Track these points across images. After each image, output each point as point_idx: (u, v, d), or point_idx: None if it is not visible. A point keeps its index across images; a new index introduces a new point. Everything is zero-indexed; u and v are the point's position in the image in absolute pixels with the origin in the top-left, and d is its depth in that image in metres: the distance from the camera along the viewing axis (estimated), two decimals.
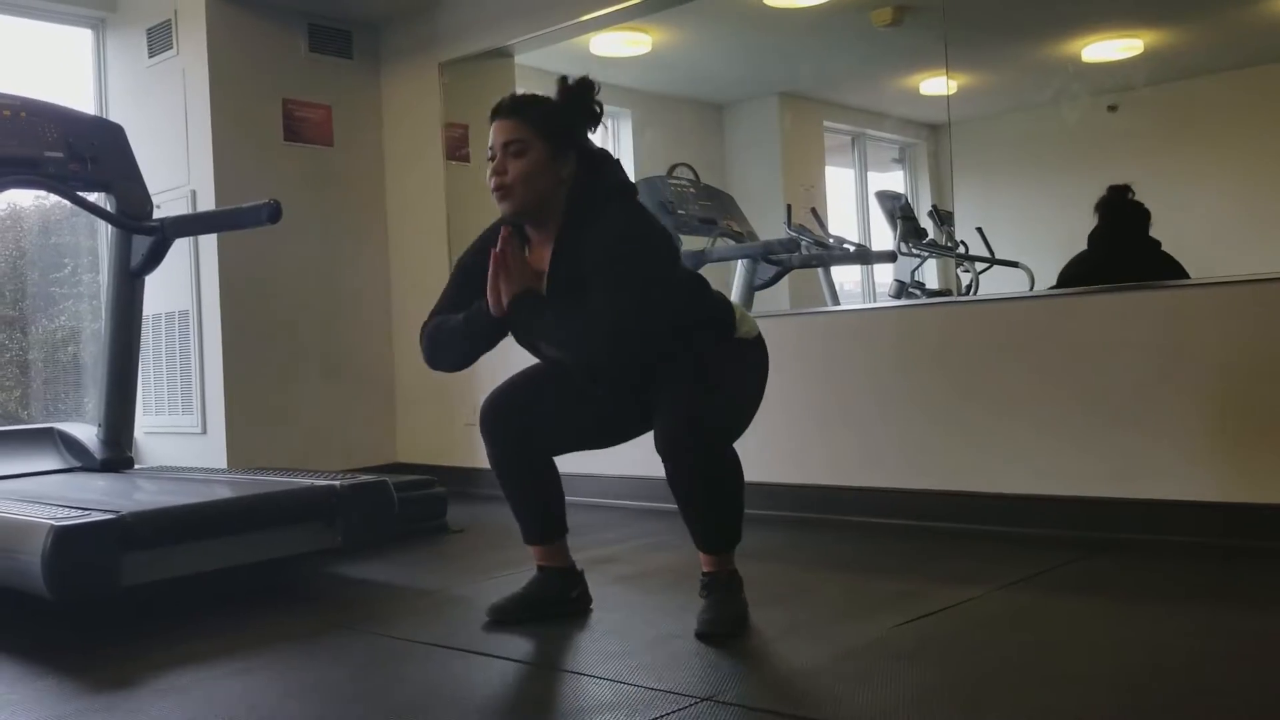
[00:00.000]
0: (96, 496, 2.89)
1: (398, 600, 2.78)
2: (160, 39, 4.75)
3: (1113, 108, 5.34)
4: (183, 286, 4.59)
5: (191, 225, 3.74)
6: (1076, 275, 3.72)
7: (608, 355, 2.14)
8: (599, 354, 2.14)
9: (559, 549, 2.45)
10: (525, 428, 2.38)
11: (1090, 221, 3.96)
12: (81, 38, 5.10)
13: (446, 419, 4.87)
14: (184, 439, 4.66)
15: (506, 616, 2.39)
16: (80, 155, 3.60)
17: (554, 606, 2.41)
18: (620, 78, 6.25)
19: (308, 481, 2.93)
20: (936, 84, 6.05)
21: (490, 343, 2.28)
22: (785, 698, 1.80)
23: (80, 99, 5.00)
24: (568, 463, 2.48)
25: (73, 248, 5.31)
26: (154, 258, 3.64)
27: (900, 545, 3.22)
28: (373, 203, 5.14)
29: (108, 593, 2.45)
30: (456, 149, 4.97)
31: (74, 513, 2.51)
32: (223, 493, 2.88)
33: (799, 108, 6.63)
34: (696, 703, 1.79)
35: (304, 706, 1.92)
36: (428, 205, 4.98)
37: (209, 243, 4.52)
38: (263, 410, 4.62)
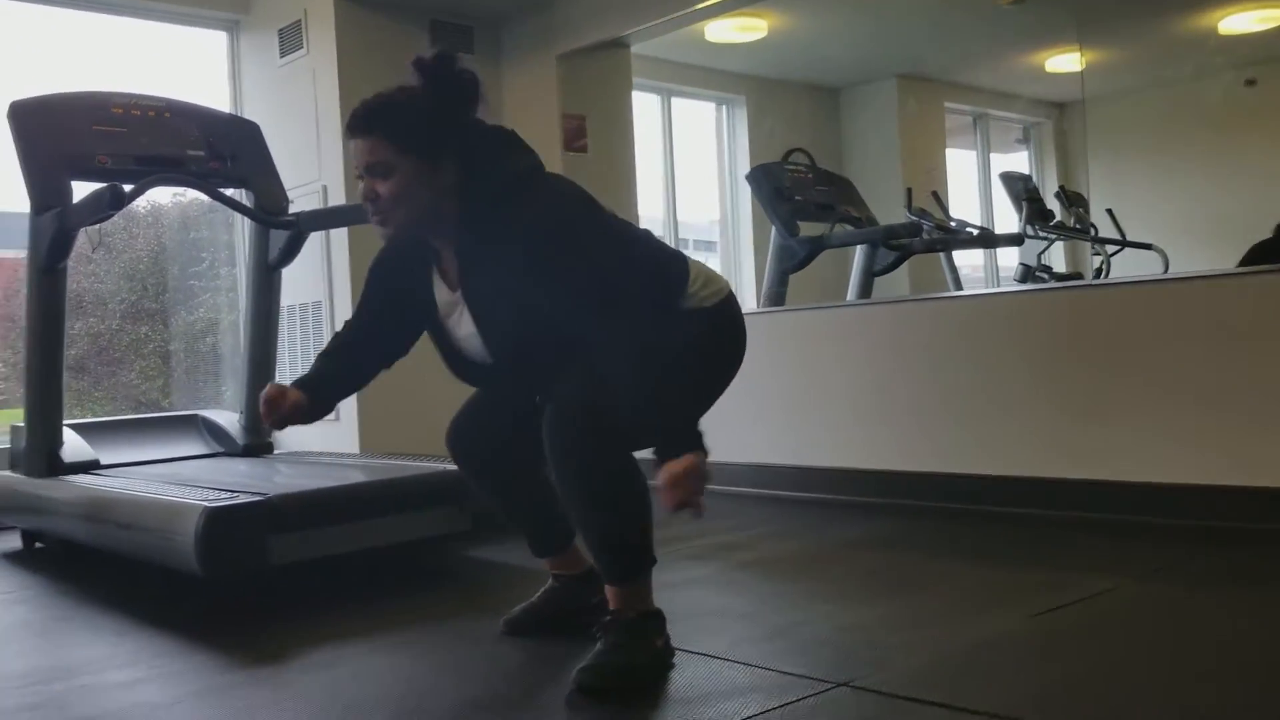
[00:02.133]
0: (242, 480, 3.01)
1: (530, 582, 2.82)
2: (291, 39, 4.91)
3: (1250, 81, 5.12)
4: (316, 278, 4.75)
5: (325, 219, 3.87)
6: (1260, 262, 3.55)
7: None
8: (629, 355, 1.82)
9: (571, 557, 2.26)
10: (495, 442, 2.19)
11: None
12: (216, 40, 5.31)
13: None
14: (318, 425, 4.80)
15: (521, 629, 2.23)
16: (220, 153, 3.75)
17: (573, 615, 2.21)
18: (734, 64, 6.23)
19: (439, 466, 3.01)
20: (1064, 61, 5.88)
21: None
22: (923, 685, 1.78)
23: (215, 99, 5.20)
24: None
25: (210, 242, 5.54)
26: (290, 251, 3.77)
27: (1024, 534, 3.15)
28: None
29: (255, 571, 2.55)
30: (574, 139, 5.02)
31: (223, 495, 2.63)
32: (360, 477, 2.97)
33: (919, 89, 6.52)
34: (833, 688, 1.78)
35: (446, 683, 1.97)
36: None
37: (340, 236, 4.66)
38: (392, 397, 4.73)
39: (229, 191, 3.75)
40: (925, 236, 5.00)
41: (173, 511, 2.60)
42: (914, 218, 5.11)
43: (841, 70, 6.51)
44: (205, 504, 2.50)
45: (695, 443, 1.78)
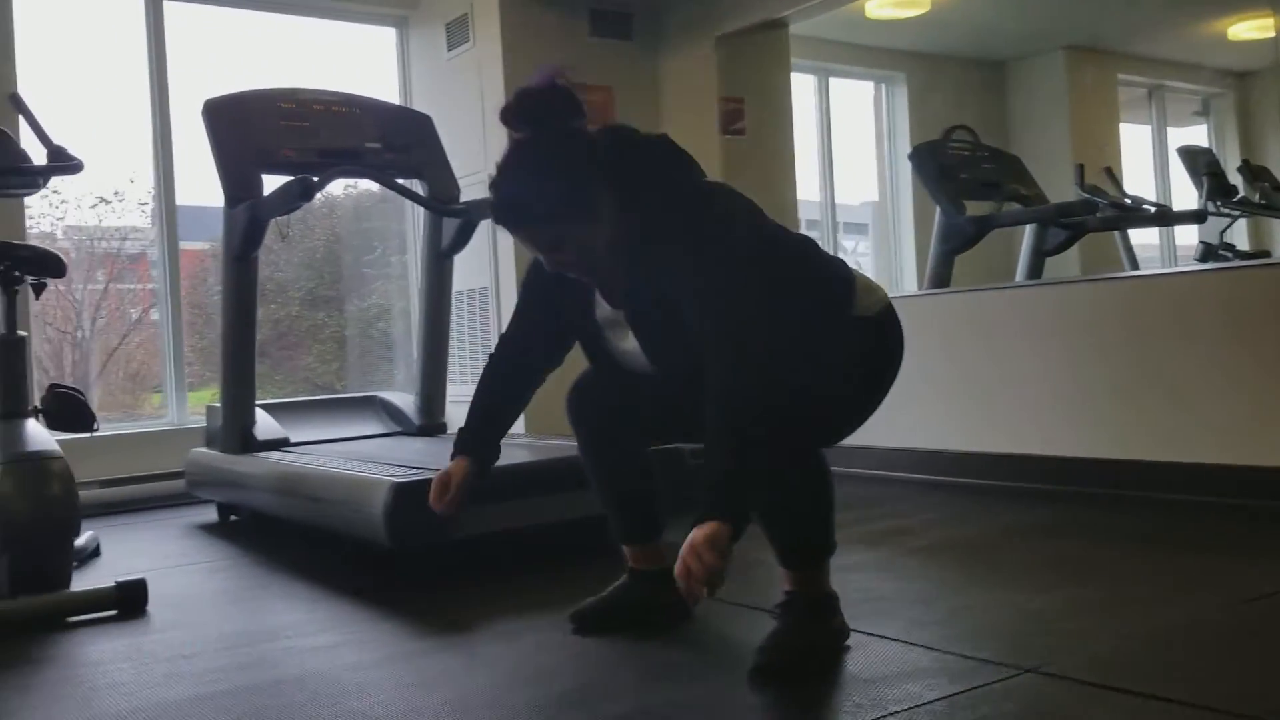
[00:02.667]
0: (423, 457, 3.14)
1: None
2: (458, 33, 5.06)
3: None
4: (482, 265, 4.89)
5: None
6: None
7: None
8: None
9: (653, 550, 2.19)
10: (614, 409, 2.14)
11: None
12: (385, 36, 5.51)
13: None
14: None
15: (589, 623, 2.16)
16: (395, 145, 3.90)
17: (644, 613, 2.16)
18: (895, 40, 6.11)
19: None
20: (1249, 28, 5.56)
21: None
22: (1112, 671, 1.73)
23: (385, 93, 5.40)
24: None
25: (382, 232, 5.76)
26: (462, 239, 3.90)
27: (1201, 523, 3.02)
28: None
29: (438, 544, 2.66)
30: (731, 123, 5.02)
31: (408, 471, 2.75)
32: (534, 456, 3.05)
33: (1089, 61, 6.26)
34: (1020, 673, 1.75)
35: (627, 655, 2.02)
36: None
37: None
38: (555, 380, 4.85)
39: (403, 182, 3.90)
40: (1099, 214, 4.81)
41: (362, 486, 2.73)
42: (1086, 195, 4.92)
43: (1007, 43, 6.31)
44: (392, 479, 2.62)
45: (728, 509, 1.67)
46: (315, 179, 3.27)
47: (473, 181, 4.89)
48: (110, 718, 1.79)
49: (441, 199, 3.88)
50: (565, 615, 2.21)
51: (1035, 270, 4.75)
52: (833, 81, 6.18)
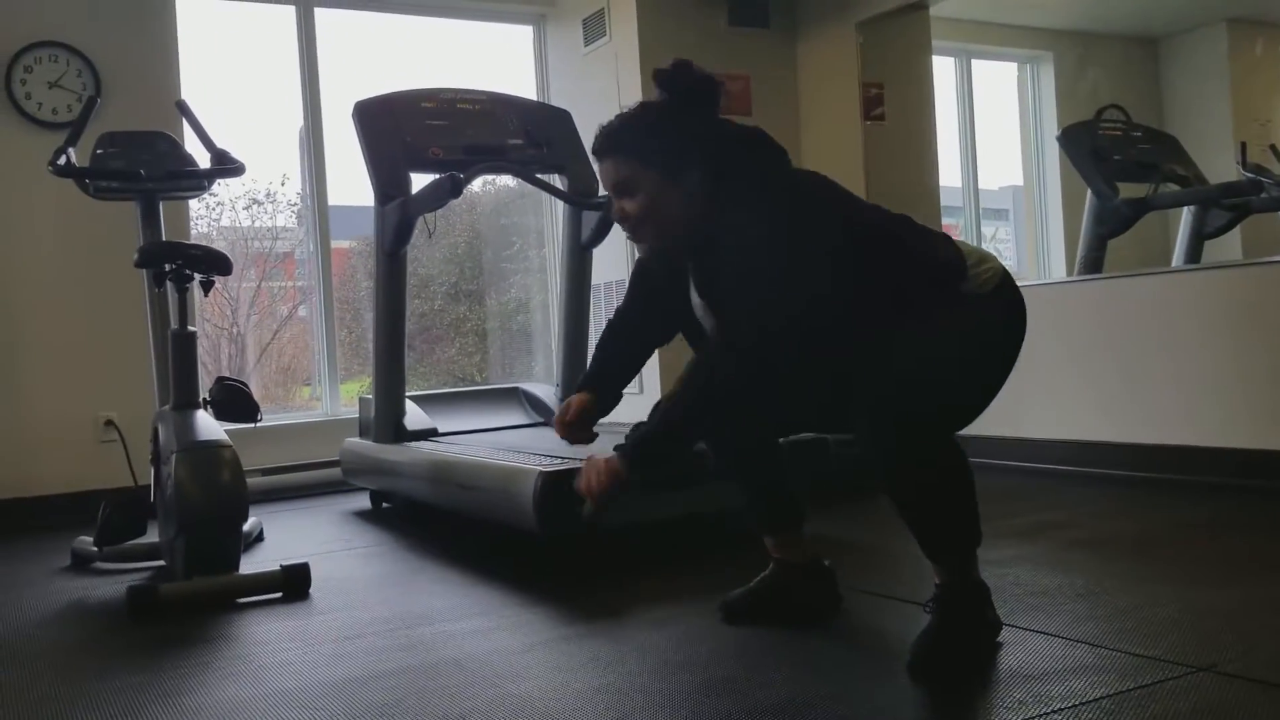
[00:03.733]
0: (567, 447, 3.17)
1: (851, 553, 2.83)
2: (595, 28, 5.11)
3: None
4: (619, 258, 4.93)
5: None
6: None
7: (738, 378, 1.86)
8: (733, 380, 1.87)
9: (792, 541, 2.19)
10: (744, 415, 2.12)
11: None
12: (523, 34, 5.60)
13: None
14: (626, 400, 5.01)
15: (737, 614, 2.17)
16: (537, 141, 3.96)
17: (787, 605, 2.16)
18: (1041, 19, 5.89)
19: None
20: None
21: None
22: None
23: (523, 89, 5.49)
24: (997, 426, 2.38)
25: (520, 227, 5.86)
26: (601, 232, 3.93)
27: None
28: None
29: (587, 532, 2.69)
30: (871, 109, 4.94)
31: (555, 460, 2.79)
32: None
33: (1255, 33, 5.93)
34: (1193, 672, 1.68)
35: (776, 645, 2.01)
36: (845, 168, 4.99)
37: None
38: None
39: (544, 176, 3.96)
40: (1265, 195, 4.55)
41: (511, 475, 2.79)
42: (1250, 174, 4.67)
43: (1163, 18, 6.02)
44: (540, 468, 2.66)
45: (631, 455, 1.91)
46: (462, 175, 3.35)
47: None
48: (282, 695, 1.87)
49: (581, 193, 3.92)
50: (713, 604, 2.22)
51: (1194, 254, 4.53)
52: (974, 63, 6.00)
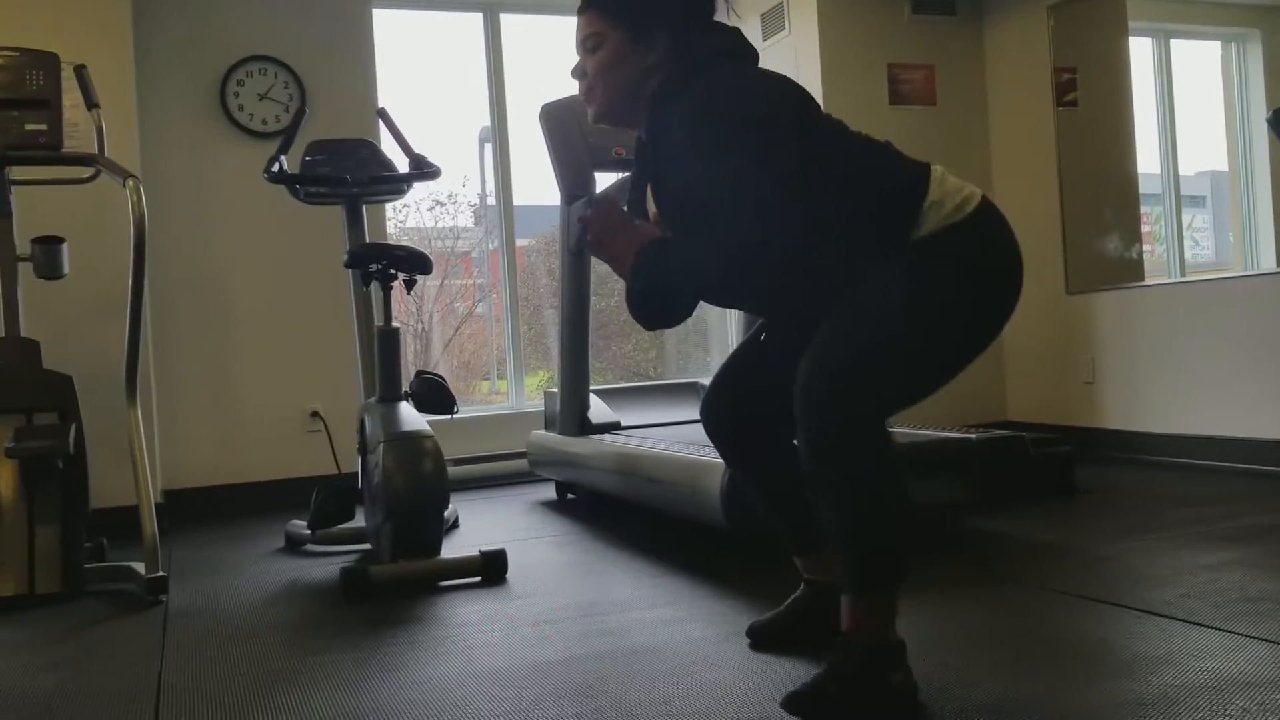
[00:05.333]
0: None
1: (1044, 554, 2.76)
2: (773, 22, 5.10)
3: None
4: None
5: None
6: None
7: (720, 278, 1.71)
8: (714, 279, 1.73)
9: (823, 560, 2.01)
10: (742, 418, 1.98)
11: None
12: None
13: (1063, 376, 4.72)
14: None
15: (763, 638, 2.03)
16: None
17: (818, 628, 1.94)
18: None
19: (943, 434, 3.01)
20: None
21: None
22: None
23: None
24: (1208, 425, 2.26)
25: None
26: None
27: None
28: (976, 157, 5.10)
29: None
30: (1065, 94, 4.76)
31: None
32: None
33: None
34: None
35: (979, 643, 1.98)
36: (1035, 156, 4.83)
37: None
38: None
39: None
40: None
41: (696, 469, 2.83)
42: None
43: None
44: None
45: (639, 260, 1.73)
46: None
47: None
48: (491, 674, 1.96)
49: None
50: (913, 602, 2.18)
51: None
52: (1174, 43, 5.70)
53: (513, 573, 2.81)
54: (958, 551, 2.83)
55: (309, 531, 3.29)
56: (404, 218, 8.05)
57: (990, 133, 5.10)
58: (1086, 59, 4.75)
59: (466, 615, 2.42)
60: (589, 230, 1.80)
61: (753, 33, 5.24)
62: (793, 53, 4.97)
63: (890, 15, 4.95)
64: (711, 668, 1.91)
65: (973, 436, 2.93)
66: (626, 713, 1.70)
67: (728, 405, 1.99)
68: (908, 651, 1.68)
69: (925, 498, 2.86)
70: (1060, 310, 4.73)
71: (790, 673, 1.85)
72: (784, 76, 1.80)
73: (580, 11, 1.87)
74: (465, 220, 8.33)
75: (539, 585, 2.69)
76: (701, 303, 2.02)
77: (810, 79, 4.85)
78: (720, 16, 1.87)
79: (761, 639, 2.04)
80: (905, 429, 3.28)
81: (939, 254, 1.67)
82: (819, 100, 4.72)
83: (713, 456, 2.82)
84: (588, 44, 1.84)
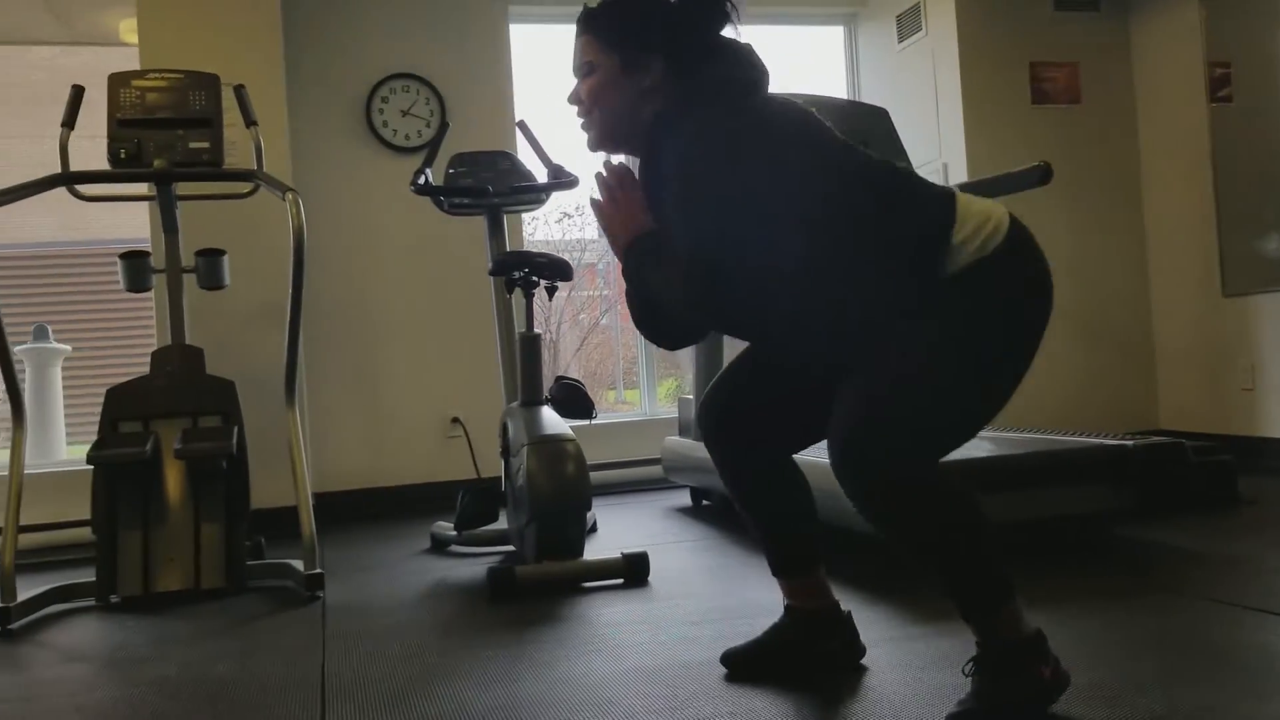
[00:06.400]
0: None
1: (1206, 565, 2.64)
2: (909, 24, 5.03)
3: None
4: None
5: None
6: None
7: (687, 311, 1.69)
8: (681, 312, 1.71)
9: (808, 585, 1.93)
10: (739, 427, 1.88)
11: None
12: (832, 34, 5.59)
13: (1220, 383, 4.51)
14: None
15: (738, 668, 1.93)
16: (854, 141, 3.94)
17: (798, 658, 1.91)
18: None
19: (1098, 441, 2.91)
20: None
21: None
22: None
23: (832, 90, 5.48)
24: None
25: None
26: None
27: None
28: (1123, 157, 4.93)
29: None
30: (1218, 89, 4.56)
31: None
32: (1014, 449, 2.96)
33: None
34: None
35: (1139, 654, 1.91)
36: (1188, 154, 4.64)
37: None
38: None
39: None
40: None
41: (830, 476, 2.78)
42: None
43: None
44: None
45: (633, 253, 1.76)
46: None
47: (926, 171, 4.84)
48: (641, 672, 1.97)
49: None
50: (1070, 612, 2.13)
51: None
52: None
53: (654, 576, 2.82)
54: (1113, 561, 2.73)
55: (455, 533, 3.37)
56: (533, 230, 8.18)
57: (1139, 130, 4.92)
58: (1242, 52, 4.54)
59: (612, 616, 2.44)
60: (598, 188, 1.79)
61: (886, 36, 5.18)
62: (930, 55, 4.89)
63: (1032, 12, 4.83)
64: (864, 673, 1.89)
65: (1129, 443, 2.82)
66: (781, 714, 1.69)
67: (726, 414, 1.88)
68: (1059, 655, 1.65)
69: (1077, 507, 2.78)
70: (1216, 314, 4.53)
71: (946, 679, 1.81)
72: (787, 105, 1.71)
73: (577, 35, 1.83)
74: (591, 233, 8.44)
75: (681, 588, 2.70)
76: None
77: (948, 81, 4.77)
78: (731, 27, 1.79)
79: (738, 669, 1.94)
80: (1057, 435, 3.19)
81: (977, 289, 1.59)
82: (957, 99, 4.65)
83: None
84: (581, 69, 1.81)
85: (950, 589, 1.62)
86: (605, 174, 1.79)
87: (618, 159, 1.86)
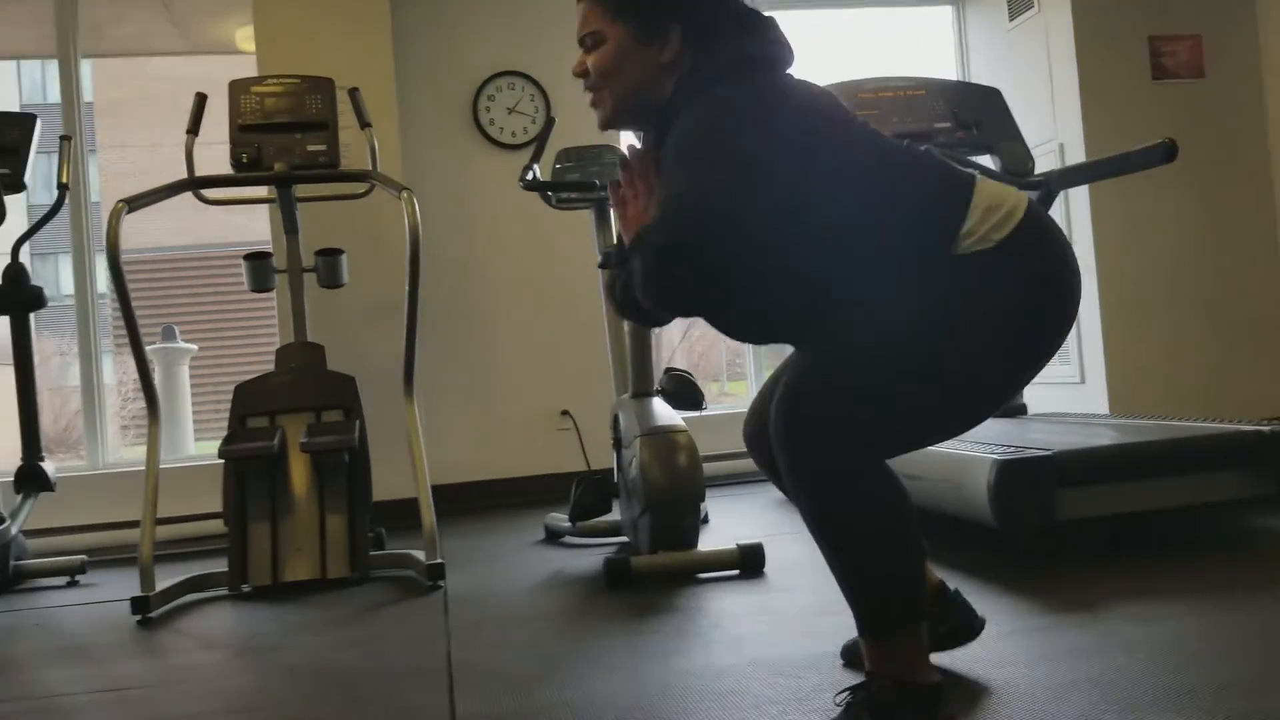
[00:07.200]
0: (1017, 436, 3.07)
1: None
2: (1021, 1, 4.89)
3: None
4: None
5: (1080, 175, 3.79)
6: None
7: (651, 290, 1.43)
8: (645, 290, 1.45)
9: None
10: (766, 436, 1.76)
11: None
12: (940, 15, 5.48)
13: None
14: (1061, 388, 4.77)
15: (858, 660, 1.77)
16: (965, 122, 3.86)
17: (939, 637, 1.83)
18: None
19: (1231, 426, 2.80)
20: None
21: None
22: None
23: (940, 71, 5.37)
24: None
25: None
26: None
27: None
28: (1251, 133, 4.73)
29: (1045, 524, 2.59)
30: None
31: (1008, 450, 2.70)
32: (1140, 436, 2.87)
33: None
34: None
35: (1264, 652, 1.84)
36: None
37: (1081, 195, 4.55)
38: (1143, 360, 4.54)
39: (975, 158, 3.84)
40: None
41: (963, 465, 2.74)
42: None
43: None
44: (996, 457, 2.59)
45: (628, 254, 1.51)
46: None
47: (1041, 151, 4.72)
48: (763, 662, 1.96)
49: (1015, 172, 3.77)
50: (1205, 604, 2.05)
51: None
52: None
53: (769, 567, 2.81)
54: (1241, 552, 2.63)
55: (569, 524, 3.41)
56: None
57: (1268, 105, 4.71)
58: None
59: (729, 606, 2.44)
60: (621, 174, 1.65)
61: (997, 15, 5.05)
62: (1043, 32, 4.76)
63: None
64: (995, 666, 1.85)
65: (1265, 428, 2.71)
66: None
67: (759, 432, 1.78)
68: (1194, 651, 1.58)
69: (1209, 495, 2.68)
70: None
71: (1078, 672, 1.76)
72: (809, 84, 1.61)
73: (579, 1, 1.69)
74: None
75: (797, 580, 2.68)
76: None
77: (1063, 58, 4.63)
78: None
79: (858, 660, 1.81)
80: (1187, 422, 3.08)
81: (973, 276, 1.49)
82: (1073, 77, 4.51)
83: (980, 452, 2.74)
84: (586, 41, 1.67)
85: (852, 597, 1.51)
86: (631, 160, 1.65)
87: (639, 140, 1.75)
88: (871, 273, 1.53)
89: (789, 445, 1.46)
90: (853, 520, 1.46)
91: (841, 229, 1.53)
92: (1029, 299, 1.50)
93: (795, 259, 1.55)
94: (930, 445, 1.62)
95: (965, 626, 1.87)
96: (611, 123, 1.71)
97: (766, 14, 1.67)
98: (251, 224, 6.86)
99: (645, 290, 1.45)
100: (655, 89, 1.63)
